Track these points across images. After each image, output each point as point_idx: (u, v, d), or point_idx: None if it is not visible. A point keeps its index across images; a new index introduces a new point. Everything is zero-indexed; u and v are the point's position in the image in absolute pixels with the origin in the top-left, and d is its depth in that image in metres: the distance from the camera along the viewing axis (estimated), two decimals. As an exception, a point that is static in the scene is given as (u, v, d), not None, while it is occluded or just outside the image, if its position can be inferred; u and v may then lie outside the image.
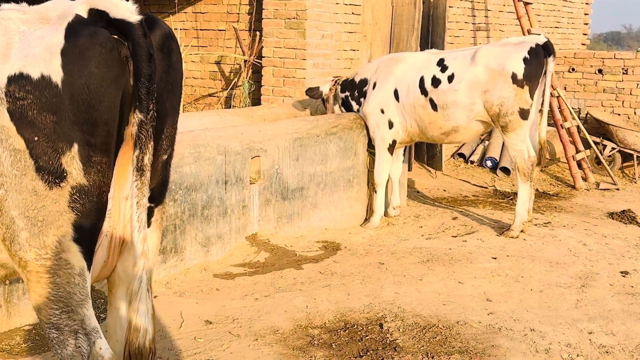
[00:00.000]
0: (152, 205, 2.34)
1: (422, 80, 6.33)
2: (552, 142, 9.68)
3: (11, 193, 2.05)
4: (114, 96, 2.09)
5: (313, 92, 6.96)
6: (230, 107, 8.14)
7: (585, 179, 8.99)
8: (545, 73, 6.12)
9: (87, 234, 2.11)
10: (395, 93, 6.48)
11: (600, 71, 10.58)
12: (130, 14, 2.12)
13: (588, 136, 9.37)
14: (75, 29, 2.06)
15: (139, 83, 2.10)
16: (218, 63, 8.55)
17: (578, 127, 9.33)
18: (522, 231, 6.24)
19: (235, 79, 8.26)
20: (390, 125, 6.52)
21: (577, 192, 8.56)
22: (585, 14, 13.51)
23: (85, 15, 2.11)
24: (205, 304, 4.40)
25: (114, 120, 2.11)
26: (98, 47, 2.05)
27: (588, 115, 10.27)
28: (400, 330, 4.16)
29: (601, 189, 8.75)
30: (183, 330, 4.04)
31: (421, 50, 8.24)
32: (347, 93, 6.82)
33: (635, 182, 9.22)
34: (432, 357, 3.82)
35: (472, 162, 9.58)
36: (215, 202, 5.20)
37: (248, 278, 4.97)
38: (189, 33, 8.64)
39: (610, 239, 6.36)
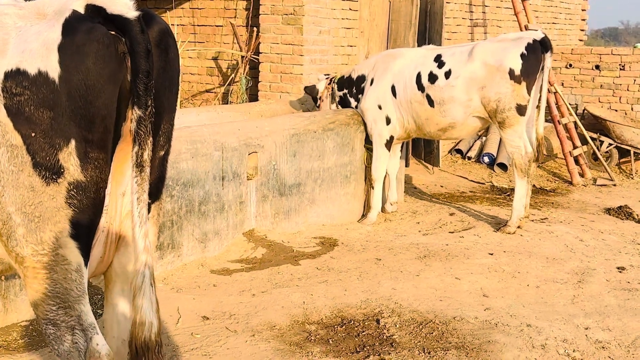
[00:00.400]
0: (150, 201, 2.34)
1: (419, 76, 6.34)
2: (549, 138, 9.69)
3: (8, 189, 2.05)
4: (111, 92, 2.09)
5: (311, 90, 6.96)
6: (227, 103, 8.13)
7: (582, 175, 9.01)
8: (542, 69, 6.13)
9: (84, 230, 2.12)
10: (393, 89, 6.49)
11: (597, 67, 10.59)
12: (128, 9, 2.11)
13: (585, 132, 9.39)
14: (72, 25, 2.06)
15: (136, 79, 2.10)
16: (215, 59, 8.54)
17: (575, 123, 9.34)
18: (519, 227, 6.25)
19: (233, 75, 8.26)
20: (388, 121, 6.52)
21: (574, 188, 8.58)
22: (582, 10, 13.51)
23: (82, 11, 2.10)
24: (202, 300, 4.40)
25: (111, 116, 2.11)
26: (95, 43, 2.05)
27: (585, 111, 10.29)
28: (397, 325, 4.17)
29: (598, 185, 8.77)
30: (180, 326, 4.04)
31: (418, 46, 8.23)
32: (345, 90, 6.82)
33: (632, 178, 9.24)
34: (429, 353, 3.83)
35: (469, 158, 9.59)
36: (213, 198, 5.20)
37: (245, 274, 4.98)
38: (186, 29, 8.63)
39: (607, 234, 6.37)
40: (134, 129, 2.10)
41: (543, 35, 6.15)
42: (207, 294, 4.56)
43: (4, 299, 3.95)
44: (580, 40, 13.53)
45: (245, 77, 8.02)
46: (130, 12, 2.10)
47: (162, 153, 2.33)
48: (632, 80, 10.34)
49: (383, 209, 6.85)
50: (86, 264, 2.16)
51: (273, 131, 5.76)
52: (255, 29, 7.90)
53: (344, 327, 4.15)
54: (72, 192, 2.07)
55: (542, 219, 6.81)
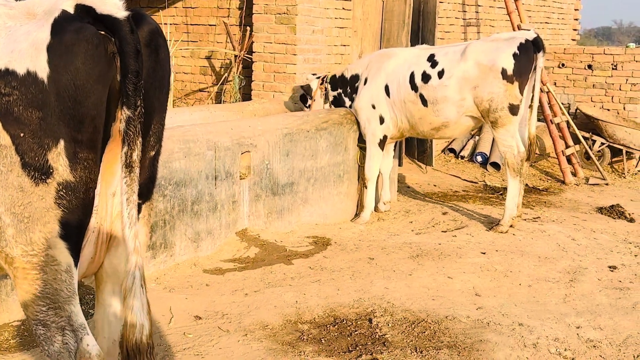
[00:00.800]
0: (140, 201, 2.33)
1: (412, 76, 6.35)
2: (541, 137, 9.71)
3: (-3, 189, 2.05)
4: (101, 92, 2.09)
5: (307, 90, 6.93)
6: (220, 103, 8.13)
7: (574, 174, 9.04)
8: (535, 69, 6.14)
9: (73, 231, 2.11)
10: (386, 88, 6.50)
11: (589, 67, 10.62)
12: (117, 9, 2.11)
13: (577, 131, 9.42)
14: (62, 25, 2.05)
15: (126, 79, 2.10)
16: (208, 58, 8.53)
17: (568, 122, 9.37)
18: (511, 226, 6.27)
19: (226, 74, 8.25)
20: (381, 120, 6.53)
21: (567, 187, 8.61)
22: (575, 10, 13.54)
23: (71, 11, 2.10)
24: (195, 300, 4.40)
25: (100, 117, 2.10)
26: (84, 43, 2.04)
27: (577, 111, 10.32)
28: (390, 325, 4.18)
29: (590, 184, 8.80)
30: (172, 325, 4.04)
31: (412, 45, 8.24)
32: (340, 90, 6.82)
33: (624, 177, 9.27)
34: (421, 352, 3.83)
35: (462, 158, 9.61)
36: (205, 197, 5.20)
37: (238, 273, 4.97)
38: (179, 28, 8.62)
39: (599, 233, 6.40)
40: (123, 129, 2.09)
41: (535, 35, 6.17)
42: (200, 293, 4.56)
43: (-4, 299, 3.93)
44: (573, 39, 13.56)
45: (239, 77, 8.01)
46: (120, 12, 2.09)
47: (152, 153, 2.33)
48: (625, 80, 10.38)
49: (376, 208, 6.86)
50: (76, 265, 2.15)
51: (266, 130, 5.76)
52: (248, 28, 7.89)
53: (336, 326, 4.15)
54: (62, 193, 2.07)
55: (534, 218, 6.83)
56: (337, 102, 6.86)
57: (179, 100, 8.58)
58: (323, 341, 3.95)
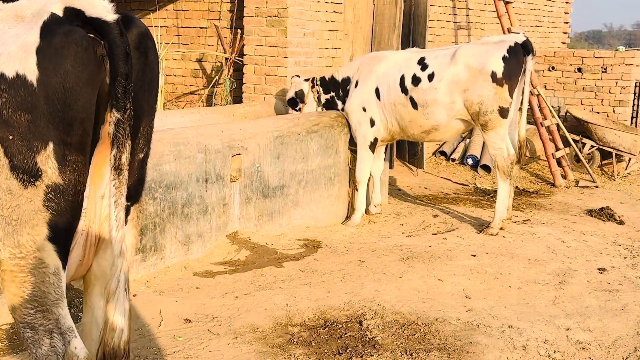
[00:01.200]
0: (129, 203, 2.34)
1: (402, 79, 6.37)
2: (532, 140, 9.76)
3: (-15, 192, 2.04)
4: (90, 95, 2.09)
5: (301, 94, 6.89)
6: (211, 105, 8.12)
7: (564, 177, 9.09)
8: (524, 72, 6.17)
9: (62, 233, 2.11)
10: (377, 91, 6.51)
11: (579, 70, 10.68)
12: (107, 12, 2.11)
13: (567, 134, 9.46)
14: (51, 28, 2.05)
15: (115, 82, 2.10)
16: (199, 61, 8.52)
17: (558, 125, 9.42)
18: (501, 228, 6.29)
19: (217, 77, 8.24)
20: (372, 123, 6.54)
21: (557, 190, 8.65)
22: (565, 13, 13.62)
23: (60, 13, 2.10)
24: (185, 303, 4.39)
25: (89, 119, 2.10)
26: (73, 45, 2.04)
27: (567, 114, 10.38)
28: (380, 327, 4.19)
29: (580, 187, 8.85)
30: (162, 328, 4.03)
31: (403, 48, 8.27)
32: (333, 93, 6.82)
33: (613, 180, 9.32)
34: (411, 354, 3.84)
35: (453, 160, 9.64)
36: (196, 200, 5.19)
37: (228, 276, 4.97)
38: (170, 30, 8.61)
39: (589, 236, 6.43)
40: (112, 131, 2.10)
41: (525, 38, 6.20)
42: (190, 296, 4.55)
43: (-16, 302, 3.91)
44: (563, 43, 13.64)
45: (230, 79, 8.01)
46: (109, 15, 2.10)
47: (141, 155, 2.33)
48: (614, 83, 10.45)
49: (367, 211, 6.87)
50: (64, 267, 2.15)
51: (257, 133, 5.76)
52: (239, 31, 7.89)
53: (326, 329, 4.15)
54: (50, 195, 2.06)
55: (524, 221, 6.86)
56: (330, 105, 6.86)
57: (169, 103, 8.57)
58: (313, 344, 3.95)
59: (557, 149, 9.20)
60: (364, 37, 8.62)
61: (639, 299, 4.81)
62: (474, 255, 5.60)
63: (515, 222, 6.67)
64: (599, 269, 5.42)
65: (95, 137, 2.16)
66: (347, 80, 6.73)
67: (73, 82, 2.04)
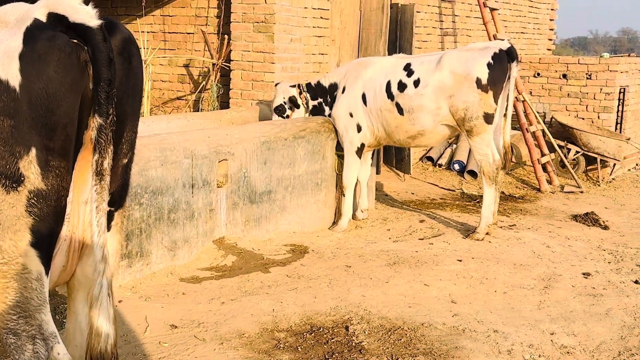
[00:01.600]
0: (113, 209, 2.33)
1: (388, 85, 6.40)
2: (518, 145, 9.83)
3: (-32, 198, 2.04)
4: (73, 100, 2.08)
5: (294, 102, 6.84)
6: (198, 111, 8.12)
7: (550, 182, 9.15)
8: (509, 78, 6.22)
9: (45, 239, 2.10)
10: (363, 97, 6.54)
11: (564, 76, 10.76)
12: (90, 18, 2.11)
13: (553, 140, 9.54)
14: (34, 33, 2.05)
15: (98, 87, 2.10)
16: (186, 66, 8.52)
17: (543, 131, 9.49)
18: (487, 234, 6.33)
19: (204, 83, 8.24)
20: (359, 129, 6.57)
21: (542, 195, 8.70)
22: (550, 20, 13.74)
23: (44, 19, 2.10)
24: (171, 308, 4.38)
25: (72, 125, 2.10)
26: (57, 51, 2.04)
27: (553, 120, 10.45)
28: (366, 332, 4.19)
29: (566, 192, 8.91)
30: (148, 334, 4.02)
31: (389, 54, 8.30)
32: (321, 99, 6.82)
33: (598, 185, 9.40)
34: (397, 359, 3.85)
35: (440, 166, 9.68)
36: (182, 205, 5.19)
37: (215, 282, 4.96)
38: (157, 36, 8.60)
39: (574, 241, 6.48)
40: (95, 137, 2.10)
41: (509, 45, 6.25)
42: (176, 302, 4.54)
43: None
44: (549, 49, 13.75)
45: (217, 85, 8.01)
46: (93, 20, 2.10)
47: (125, 161, 2.33)
48: (599, 89, 10.54)
49: (354, 216, 6.88)
50: (47, 273, 2.14)
51: (243, 139, 5.76)
52: (226, 36, 7.90)
53: (313, 334, 4.16)
54: (33, 201, 2.06)
55: (510, 226, 6.90)
56: (317, 111, 6.86)
57: (156, 109, 8.56)
58: (299, 349, 3.95)
59: (543, 155, 9.26)
60: (350, 43, 8.65)
61: (623, 303, 4.85)
62: (460, 260, 5.63)
63: (501, 227, 6.71)
64: (584, 274, 5.46)
65: (79, 143, 2.16)
66: (334, 86, 6.75)
67: (56, 87, 2.04)
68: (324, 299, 4.69)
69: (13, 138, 2.02)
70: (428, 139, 6.53)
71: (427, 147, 9.63)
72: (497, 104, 6.18)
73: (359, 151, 6.61)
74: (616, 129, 10.70)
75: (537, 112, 9.80)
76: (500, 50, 6.17)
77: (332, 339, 4.10)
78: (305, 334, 4.16)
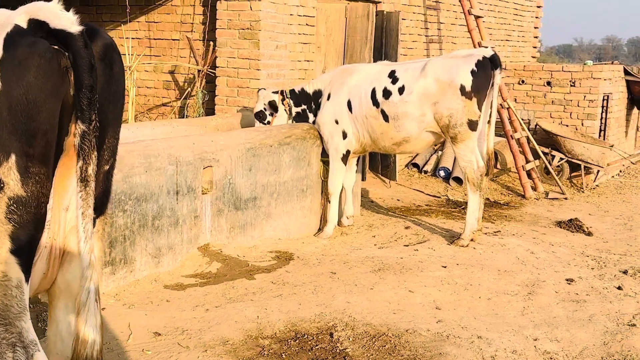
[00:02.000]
0: (95, 215, 2.32)
1: (373, 92, 6.42)
2: (502, 152, 9.89)
3: (-53, 204, 2.02)
4: (53, 106, 2.08)
5: (275, 107, 6.83)
6: (184, 117, 8.10)
7: (534, 189, 9.21)
8: (492, 85, 6.26)
9: (25, 246, 2.09)
10: (349, 104, 6.55)
11: (549, 83, 10.85)
12: (71, 24, 2.11)
13: (537, 147, 9.60)
14: (14, 39, 2.04)
15: (80, 94, 2.09)
16: (171, 73, 8.51)
17: (528, 137, 9.56)
18: (472, 240, 6.35)
19: (189, 89, 8.23)
20: (344, 135, 6.58)
21: (527, 202, 8.75)
22: (535, 28, 13.86)
23: (24, 25, 2.09)
24: (155, 316, 4.36)
25: (53, 131, 2.09)
26: (37, 57, 2.04)
27: (537, 127, 10.53)
28: (350, 339, 4.19)
29: (550, 199, 8.97)
30: (131, 342, 3.99)
31: (375, 61, 8.33)
32: (304, 106, 6.81)
33: (582, 192, 9.47)
34: (381, 366, 3.85)
35: (425, 172, 9.71)
36: (167, 212, 5.17)
37: (199, 289, 4.94)
38: (142, 42, 8.58)
39: (558, 247, 6.52)
40: (78, 143, 2.09)
41: (493, 53, 6.29)
42: (160, 309, 4.52)
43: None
44: (533, 57, 13.86)
45: (202, 91, 8.00)
46: (74, 26, 2.09)
47: (107, 167, 2.32)
48: (582, 97, 10.63)
49: (339, 223, 6.89)
50: (27, 280, 2.12)
51: (228, 145, 5.75)
52: (212, 43, 7.90)
53: (297, 341, 4.15)
54: (12, 207, 2.05)
55: (494, 232, 6.93)
56: (301, 118, 6.86)
57: (141, 115, 8.53)
58: (284, 356, 3.94)
59: (527, 161, 9.32)
60: (336, 50, 8.68)
61: (605, 309, 4.88)
62: (445, 267, 5.64)
63: (485, 234, 6.74)
64: (567, 280, 5.49)
65: (59, 149, 2.15)
66: (318, 93, 6.76)
67: (36, 93, 2.03)
68: (309, 305, 4.69)
69: (-8, 144, 2.01)
70: (413, 146, 6.55)
71: (412, 154, 9.66)
72: (480, 110, 6.22)
73: (345, 158, 6.62)
74: (600, 136, 10.80)
75: (522, 119, 9.87)
76: (484, 57, 6.21)
77: (317, 345, 4.09)
78: (289, 340, 4.15)
